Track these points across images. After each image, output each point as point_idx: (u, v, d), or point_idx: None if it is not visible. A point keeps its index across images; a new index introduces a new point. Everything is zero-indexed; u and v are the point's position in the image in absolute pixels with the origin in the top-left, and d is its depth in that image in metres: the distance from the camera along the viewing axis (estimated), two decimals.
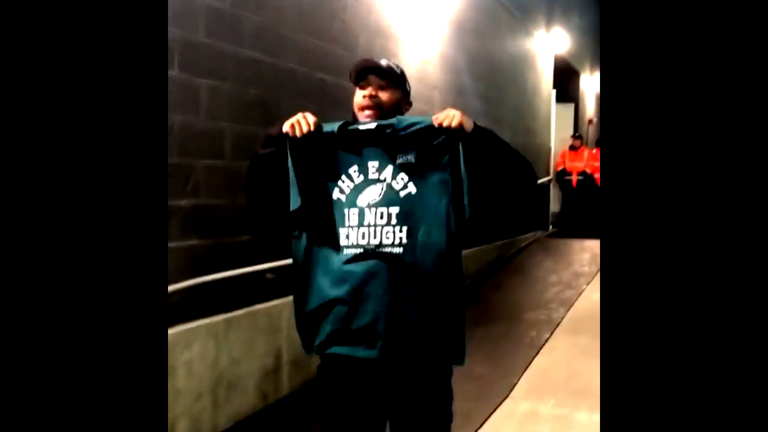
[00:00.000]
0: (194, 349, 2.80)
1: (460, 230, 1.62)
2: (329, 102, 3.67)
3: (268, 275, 3.28)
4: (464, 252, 5.43)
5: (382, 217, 1.61)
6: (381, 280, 1.59)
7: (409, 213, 1.60)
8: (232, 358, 3.01)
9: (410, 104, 1.84)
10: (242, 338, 3.07)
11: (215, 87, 2.90)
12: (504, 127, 7.07)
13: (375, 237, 1.60)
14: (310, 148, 1.65)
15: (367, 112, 1.71)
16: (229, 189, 2.99)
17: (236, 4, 3.00)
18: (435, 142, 1.59)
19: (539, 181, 8.58)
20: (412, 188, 1.61)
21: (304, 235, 1.68)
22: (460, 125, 1.56)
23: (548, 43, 8.86)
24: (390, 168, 1.63)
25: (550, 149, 9.35)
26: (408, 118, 1.64)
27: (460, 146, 1.56)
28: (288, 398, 3.38)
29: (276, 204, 1.67)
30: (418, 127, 1.60)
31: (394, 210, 1.61)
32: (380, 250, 1.60)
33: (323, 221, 1.66)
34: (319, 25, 3.67)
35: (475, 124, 1.61)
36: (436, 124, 1.58)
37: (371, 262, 1.60)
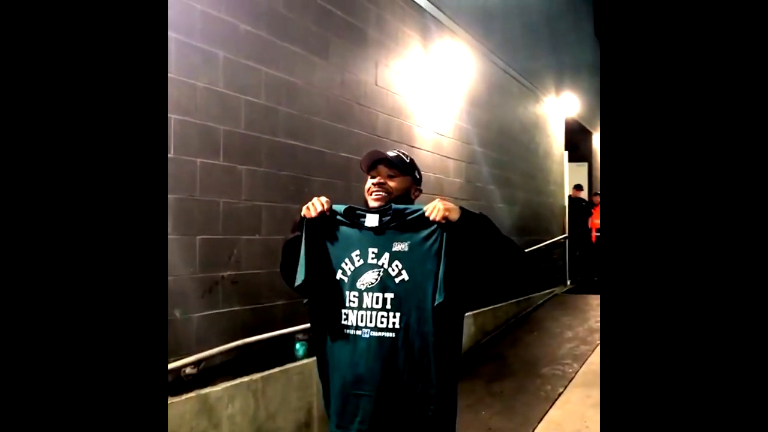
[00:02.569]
0: (236, 404, 3.13)
1: (448, 316, 1.69)
2: (353, 177, 4.10)
3: (299, 336, 3.62)
4: (482, 309, 5.80)
5: (377, 302, 1.70)
6: (374, 362, 1.68)
7: (402, 299, 1.68)
8: (269, 413, 3.34)
9: (420, 190, 1.92)
10: (278, 394, 3.40)
11: (253, 171, 3.33)
12: (517, 189, 7.46)
13: (371, 321, 1.69)
14: (322, 228, 1.79)
15: (375, 196, 1.82)
16: (265, 260, 3.38)
17: (271, 98, 3.45)
18: (426, 233, 1.69)
19: (556, 239, 8.90)
20: (405, 275, 1.69)
21: (315, 313, 1.82)
22: (446, 218, 1.64)
23: (558, 108, 9.31)
24: (387, 255, 1.72)
25: (564, 208, 9.68)
26: (406, 207, 1.75)
27: (444, 236, 1.65)
28: None
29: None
30: (413, 216, 1.71)
31: (389, 296, 1.69)
32: (375, 333, 1.69)
33: (328, 301, 1.77)
34: (343, 110, 4.12)
35: (463, 212, 1.66)
36: (426, 215, 1.67)
37: (365, 345, 1.69)
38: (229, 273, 3.16)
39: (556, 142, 9.34)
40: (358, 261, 1.75)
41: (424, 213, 1.68)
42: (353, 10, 4.25)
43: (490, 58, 6.67)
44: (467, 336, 5.86)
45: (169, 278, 2.83)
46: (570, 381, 4.92)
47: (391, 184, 1.83)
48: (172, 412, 2.79)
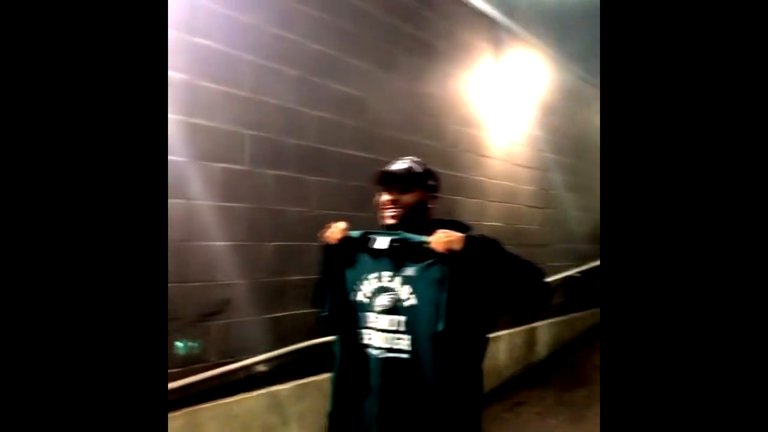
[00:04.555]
0: (306, 403, 3.31)
1: (457, 342, 1.70)
2: None
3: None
4: (557, 319, 5.77)
5: (392, 324, 1.75)
6: (389, 382, 1.73)
7: (412, 323, 1.73)
8: None
9: (435, 197, 1.91)
10: None
11: (322, 182, 3.52)
12: (594, 197, 7.34)
13: (386, 342, 1.75)
14: (342, 254, 1.90)
15: (389, 213, 1.85)
16: None
17: (340, 112, 3.63)
18: (430, 261, 1.72)
19: None
20: (413, 300, 1.73)
21: (338, 334, 1.89)
22: (449, 250, 1.66)
23: None
24: (398, 279, 1.77)
25: None
26: (413, 236, 1.77)
27: (447, 267, 1.67)
28: None
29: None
30: (419, 245, 1.74)
31: (402, 319, 1.74)
32: (389, 354, 1.74)
33: (350, 321, 1.84)
34: (411, 122, 4.26)
35: (468, 240, 1.67)
36: (431, 247, 1.70)
37: (380, 364, 1.75)
38: (298, 278, 3.35)
39: None
40: (376, 283, 1.81)
41: (428, 244, 1.71)
42: (422, 25, 4.39)
43: (565, 65, 6.63)
44: (543, 345, 5.84)
45: (242, 282, 3.05)
46: None
47: (404, 199, 1.85)
48: (243, 408, 3.00)
